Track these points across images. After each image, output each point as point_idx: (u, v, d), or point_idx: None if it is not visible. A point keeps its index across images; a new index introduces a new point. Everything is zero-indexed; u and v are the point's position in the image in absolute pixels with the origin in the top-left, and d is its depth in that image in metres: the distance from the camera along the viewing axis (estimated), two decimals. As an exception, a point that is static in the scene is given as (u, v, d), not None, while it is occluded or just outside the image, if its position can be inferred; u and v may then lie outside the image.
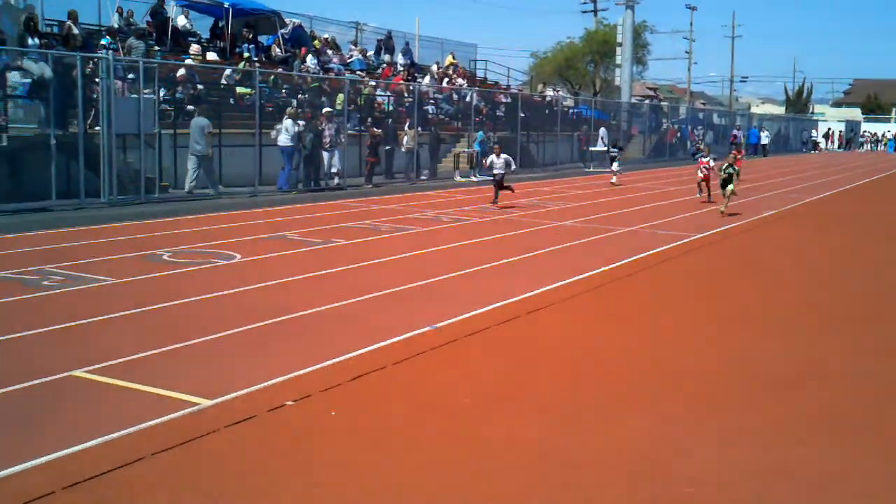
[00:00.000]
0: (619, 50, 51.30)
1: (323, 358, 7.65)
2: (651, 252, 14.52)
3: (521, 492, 5.15)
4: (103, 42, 23.33)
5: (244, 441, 5.82)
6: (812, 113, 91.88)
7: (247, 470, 5.33)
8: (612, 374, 7.70)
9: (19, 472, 5.12)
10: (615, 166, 30.14)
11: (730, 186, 19.86)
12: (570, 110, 43.73)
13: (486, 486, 5.22)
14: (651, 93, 74.59)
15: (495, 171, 21.17)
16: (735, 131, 57.45)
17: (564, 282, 11.64)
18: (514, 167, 23.11)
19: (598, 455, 5.75)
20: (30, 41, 20.25)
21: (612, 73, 57.34)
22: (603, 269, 12.74)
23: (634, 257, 13.91)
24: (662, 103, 60.54)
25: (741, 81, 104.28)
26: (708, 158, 23.72)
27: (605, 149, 39.26)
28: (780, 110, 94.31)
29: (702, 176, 23.55)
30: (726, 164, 20.38)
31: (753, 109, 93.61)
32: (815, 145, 75.22)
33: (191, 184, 21.25)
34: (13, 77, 19.31)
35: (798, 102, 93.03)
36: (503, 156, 21.26)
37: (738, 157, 31.85)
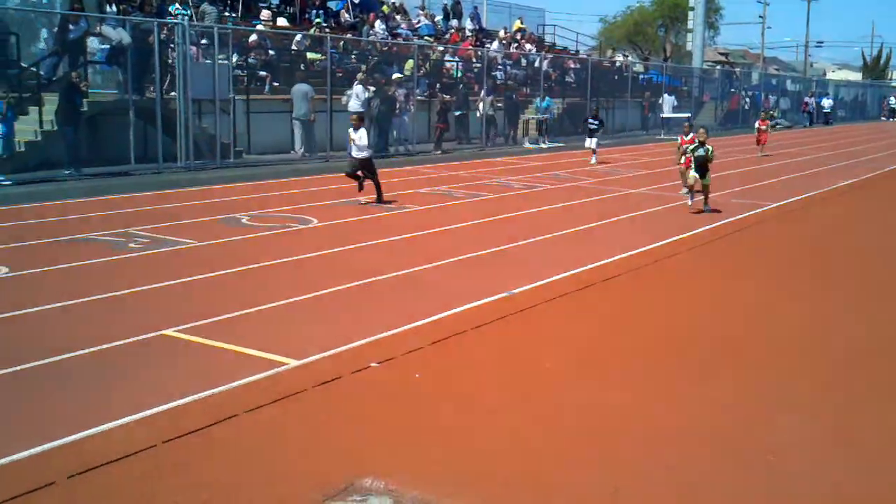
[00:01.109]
0: (690, 14, 50.23)
1: (403, 322, 7.75)
2: (726, 221, 14.33)
3: (604, 458, 5.19)
4: (171, 9, 23.63)
5: (332, 400, 5.96)
6: (891, 80, 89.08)
7: (335, 428, 5.46)
8: (690, 342, 7.67)
9: (121, 426, 5.32)
10: (592, 143, 23.95)
11: (705, 177, 14.60)
12: (640, 76, 43.15)
13: (568, 451, 5.27)
14: (723, 58, 73.05)
15: (354, 153, 14.91)
16: (807, 98, 56.06)
17: (639, 250, 11.57)
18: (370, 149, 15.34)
19: (679, 423, 5.75)
20: (108, 8, 20.62)
21: (683, 39, 56.31)
22: (678, 237, 12.62)
23: (710, 226, 13.74)
24: (735, 69, 59.23)
25: (817, 46, 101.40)
26: (692, 136, 16.18)
27: (672, 116, 38.69)
28: (856, 76, 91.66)
29: (684, 163, 15.75)
30: (695, 145, 14.71)
31: (829, 76, 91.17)
32: (893, 113, 73.01)
33: (301, 148, 22.51)
34: (92, 43, 19.73)
35: (876, 69, 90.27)
36: (362, 130, 14.95)
37: (762, 127, 28.52)
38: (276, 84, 23.94)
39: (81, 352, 6.65)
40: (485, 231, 12.76)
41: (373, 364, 6.66)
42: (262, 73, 23.82)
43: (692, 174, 14.58)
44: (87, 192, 15.17)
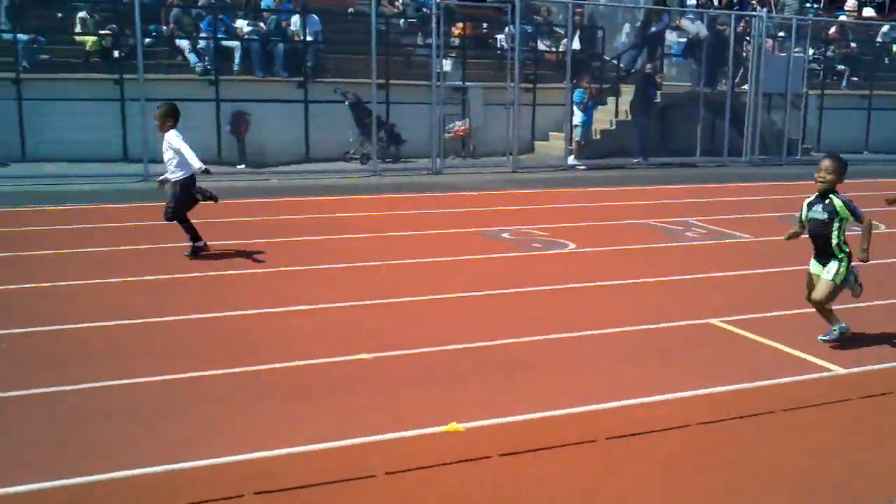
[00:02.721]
0: None
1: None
2: None
3: None
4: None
5: (873, 413, 5.61)
6: None
7: (874, 442, 5.14)
8: None
9: (648, 403, 5.62)
10: None
11: (833, 271, 6.75)
12: None
13: None
14: None
15: (169, 175, 9.23)
16: None
17: None
18: (195, 163, 9.04)
19: None
20: (688, 1, 21.32)
21: None
22: None
23: None
24: None
25: None
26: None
27: None
28: None
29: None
30: (809, 199, 7.01)
31: None
32: None
33: None
34: (670, 36, 20.57)
35: None
36: (173, 132, 9.12)
37: None
38: (854, 79, 22.66)
39: (632, 328, 7.15)
40: None
41: (933, 386, 6.12)
42: (841, 67, 22.69)
43: (811, 266, 6.99)
44: (651, 180, 15.96)
